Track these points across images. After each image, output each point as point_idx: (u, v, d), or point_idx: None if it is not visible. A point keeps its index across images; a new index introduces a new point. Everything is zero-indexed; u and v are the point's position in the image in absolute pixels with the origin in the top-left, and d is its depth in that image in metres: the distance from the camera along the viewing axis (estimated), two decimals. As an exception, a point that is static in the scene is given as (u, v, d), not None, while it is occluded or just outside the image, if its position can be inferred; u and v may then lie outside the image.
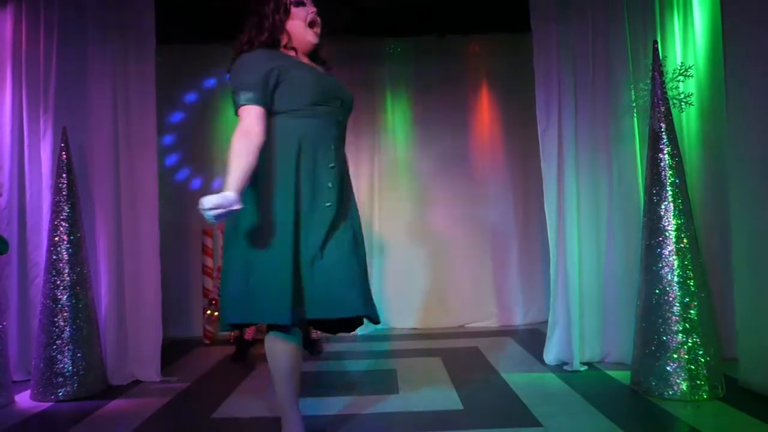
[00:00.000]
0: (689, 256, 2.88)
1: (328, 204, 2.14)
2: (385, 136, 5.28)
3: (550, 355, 3.59)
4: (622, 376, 3.20)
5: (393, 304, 5.16)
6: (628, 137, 3.49)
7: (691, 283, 2.85)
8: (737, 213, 3.01)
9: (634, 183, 3.46)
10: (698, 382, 2.77)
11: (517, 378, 3.30)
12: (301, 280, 2.08)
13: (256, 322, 2.17)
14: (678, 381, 2.79)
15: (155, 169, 3.60)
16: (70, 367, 3.17)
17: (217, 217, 1.89)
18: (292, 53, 2.25)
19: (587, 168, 3.53)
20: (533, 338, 4.33)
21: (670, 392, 2.79)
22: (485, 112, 5.29)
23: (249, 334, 4.37)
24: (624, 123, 3.48)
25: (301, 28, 2.23)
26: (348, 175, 2.34)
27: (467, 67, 5.27)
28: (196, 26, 4.76)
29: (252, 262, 2.07)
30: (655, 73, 3.05)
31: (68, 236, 3.25)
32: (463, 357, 3.95)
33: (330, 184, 2.15)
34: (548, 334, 3.62)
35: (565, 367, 3.46)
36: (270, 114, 2.11)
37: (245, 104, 2.07)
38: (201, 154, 5.20)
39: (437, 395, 3.08)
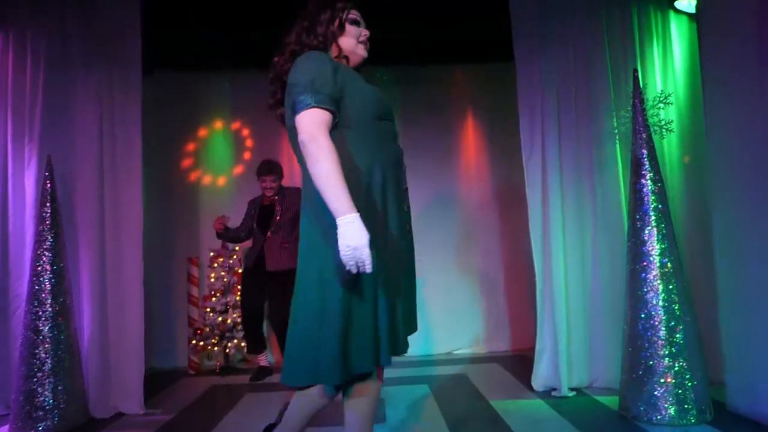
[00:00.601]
0: (674, 280, 2.90)
1: (408, 228, 1.99)
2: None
3: (538, 381, 3.58)
4: (611, 401, 3.19)
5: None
6: (611, 163, 3.54)
7: (676, 307, 2.87)
8: (720, 237, 3.04)
9: (618, 208, 3.50)
10: (686, 406, 2.77)
11: (506, 405, 3.28)
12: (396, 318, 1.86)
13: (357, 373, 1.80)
14: (666, 405, 2.79)
15: (140, 197, 3.58)
16: (51, 400, 3.10)
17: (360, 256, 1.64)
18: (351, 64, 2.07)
19: (572, 194, 3.56)
20: (521, 364, 4.31)
21: (659, 417, 2.79)
22: (470, 139, 5.35)
23: (264, 360, 4.51)
24: (607, 149, 3.54)
25: (352, 44, 2.04)
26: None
27: (451, 95, 5.34)
28: (185, 56, 4.81)
29: (353, 305, 1.76)
30: (636, 101, 3.10)
31: (51, 266, 3.21)
32: (451, 384, 3.93)
33: (407, 207, 1.99)
34: (536, 360, 3.61)
35: (553, 393, 3.45)
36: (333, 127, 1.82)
37: (317, 106, 1.75)
38: (186, 180, 5.20)
39: (425, 424, 3.05)
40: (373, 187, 1.84)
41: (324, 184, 1.68)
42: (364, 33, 2.08)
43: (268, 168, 4.48)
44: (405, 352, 1.91)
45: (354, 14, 2.06)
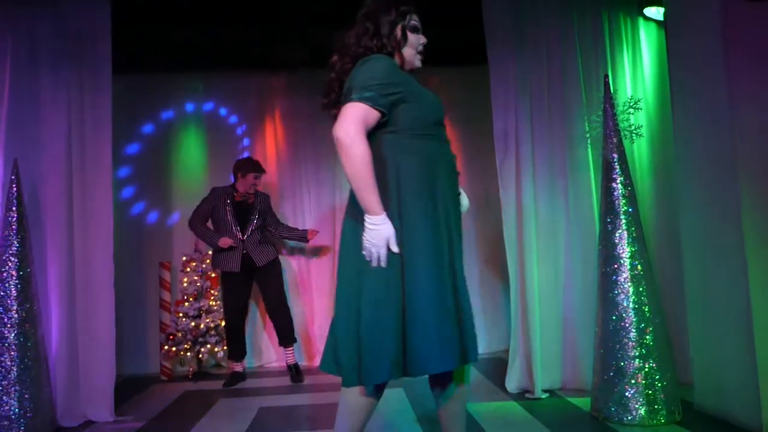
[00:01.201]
0: (644, 282, 2.95)
1: (458, 233, 1.98)
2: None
3: (512, 383, 3.60)
4: (583, 402, 3.23)
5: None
6: (583, 167, 3.59)
7: (646, 309, 2.92)
8: (687, 240, 3.10)
9: (590, 212, 3.55)
10: (656, 406, 2.82)
11: (480, 407, 3.30)
12: (461, 322, 1.87)
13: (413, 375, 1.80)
14: (636, 406, 2.83)
15: (110, 200, 3.53)
16: (17, 409, 3.02)
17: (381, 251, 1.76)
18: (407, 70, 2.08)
19: (545, 197, 3.60)
20: (495, 367, 4.34)
21: (629, 417, 2.83)
22: (444, 142, 5.37)
23: (240, 366, 4.47)
24: (579, 153, 3.58)
25: (411, 54, 2.05)
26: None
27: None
28: (155, 57, 4.74)
29: (408, 308, 1.79)
30: (607, 106, 3.15)
31: (17, 271, 3.14)
32: (425, 387, 3.90)
33: (459, 212, 2.02)
34: (509, 363, 3.64)
35: (526, 395, 3.48)
36: (388, 131, 1.88)
37: (359, 101, 1.79)
38: (158, 186, 5.13)
39: (400, 427, 3.04)
40: (420, 190, 1.86)
41: (358, 181, 1.76)
42: (422, 41, 2.08)
43: (261, 166, 4.51)
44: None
45: (415, 21, 2.05)
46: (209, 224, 4.48)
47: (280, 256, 4.64)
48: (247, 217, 4.42)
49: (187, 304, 4.65)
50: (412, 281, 1.79)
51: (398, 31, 2.01)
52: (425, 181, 1.88)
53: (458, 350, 1.82)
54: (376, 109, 1.81)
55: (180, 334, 4.57)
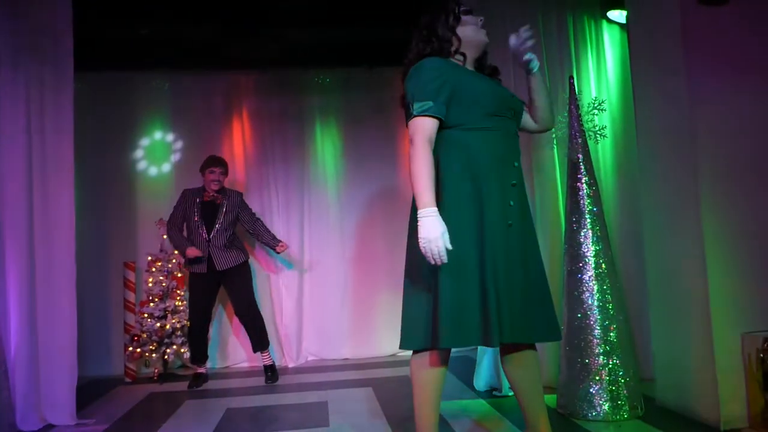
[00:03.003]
0: (608, 280, 3.00)
1: (510, 223, 2.00)
2: (315, 168, 5.28)
3: (480, 381, 3.63)
4: (549, 399, 3.24)
5: (323, 335, 5.12)
6: (549, 167, 3.63)
7: (610, 307, 2.97)
8: (649, 238, 3.17)
9: (556, 211, 3.60)
10: (619, 402, 2.87)
11: (448, 405, 3.31)
12: (488, 303, 1.94)
13: (440, 347, 2.01)
14: (600, 402, 2.88)
15: (72, 200, 3.44)
16: (-26, 414, 2.94)
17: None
18: (460, 62, 2.14)
19: (511, 197, 3.63)
20: (463, 365, 4.37)
21: (594, 413, 2.88)
22: (414, 142, 5.38)
23: (203, 368, 4.42)
24: (545, 153, 3.63)
25: (473, 31, 2.14)
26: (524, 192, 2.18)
27: (397, 98, 5.34)
28: (121, 54, 4.66)
29: (437, 288, 1.96)
30: (572, 107, 3.20)
31: (-26, 272, 3.05)
32: (394, 386, 3.94)
33: (512, 202, 2.03)
34: (477, 361, 3.67)
35: (494, 393, 3.51)
36: (440, 128, 2.01)
37: (420, 115, 1.96)
38: (122, 186, 5.04)
39: (368, 426, 3.05)
40: (461, 183, 1.99)
41: (414, 181, 1.92)
42: (481, 18, 2.17)
43: (216, 160, 4.46)
44: (509, 341, 1.97)
45: (464, 5, 2.14)
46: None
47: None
48: (213, 218, 4.37)
49: (152, 304, 4.57)
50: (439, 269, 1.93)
51: (451, 18, 2.12)
52: (465, 179, 1.99)
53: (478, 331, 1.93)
54: (435, 117, 1.97)
55: (145, 335, 4.49)
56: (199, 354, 4.40)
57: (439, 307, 1.93)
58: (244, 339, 4.63)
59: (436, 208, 1.88)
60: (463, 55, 2.14)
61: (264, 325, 4.48)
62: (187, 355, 4.57)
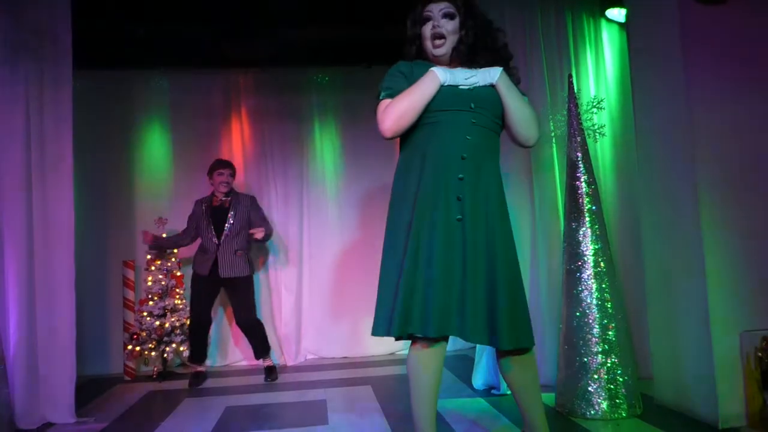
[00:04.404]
0: (606, 279, 3.00)
1: (458, 217, 1.99)
2: (313, 166, 5.28)
3: (479, 380, 3.63)
4: (548, 398, 3.26)
5: (322, 333, 5.12)
6: (548, 166, 3.63)
7: (609, 306, 2.97)
8: (648, 237, 3.17)
9: (555, 210, 3.60)
10: (617, 401, 2.88)
11: (447, 404, 3.32)
12: (413, 294, 1.97)
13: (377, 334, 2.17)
14: (599, 401, 2.88)
15: (71, 198, 3.44)
16: (-27, 412, 2.94)
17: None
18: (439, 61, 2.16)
19: (510, 195, 3.59)
20: (462, 364, 4.37)
21: (592, 412, 2.88)
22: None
23: (202, 367, 4.43)
24: (544, 152, 3.63)
25: (426, 45, 2.16)
26: (498, 189, 2.12)
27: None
28: (121, 53, 4.65)
29: (381, 274, 2.12)
30: (571, 105, 3.20)
31: (-27, 270, 3.05)
32: (392, 384, 3.94)
33: (460, 197, 2.00)
34: (476, 360, 3.67)
35: (493, 392, 3.51)
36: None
37: (380, 99, 2.11)
38: (122, 184, 5.03)
39: (367, 424, 3.05)
40: (406, 176, 2.09)
41: (402, 110, 2.02)
42: (432, 25, 2.13)
43: (223, 162, 4.49)
44: (436, 334, 1.96)
45: (428, 11, 2.14)
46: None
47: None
48: (222, 222, 4.37)
49: (151, 303, 4.57)
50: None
51: (414, 31, 2.18)
52: (411, 171, 2.08)
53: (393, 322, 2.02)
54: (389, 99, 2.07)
55: (144, 334, 4.50)
56: (199, 353, 4.40)
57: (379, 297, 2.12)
58: (244, 338, 4.63)
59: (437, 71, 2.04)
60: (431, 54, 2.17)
61: (265, 332, 4.49)
62: (187, 353, 4.57)
